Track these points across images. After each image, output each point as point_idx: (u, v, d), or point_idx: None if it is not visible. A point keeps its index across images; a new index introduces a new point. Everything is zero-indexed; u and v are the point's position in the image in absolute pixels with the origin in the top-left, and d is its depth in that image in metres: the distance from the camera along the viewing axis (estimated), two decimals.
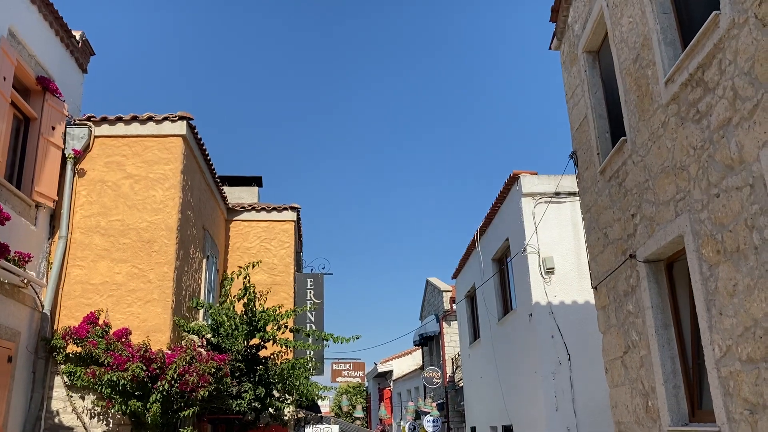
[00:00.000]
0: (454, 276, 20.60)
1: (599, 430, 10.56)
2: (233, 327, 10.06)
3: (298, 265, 16.23)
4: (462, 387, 20.85)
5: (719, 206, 4.79)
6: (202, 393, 8.11)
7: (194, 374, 7.99)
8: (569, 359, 11.27)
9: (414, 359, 35.18)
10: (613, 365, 7.28)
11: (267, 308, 10.28)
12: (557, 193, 12.19)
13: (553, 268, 11.79)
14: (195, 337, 9.34)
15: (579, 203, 8.58)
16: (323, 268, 15.56)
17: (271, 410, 11.18)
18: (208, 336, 9.71)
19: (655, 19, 5.76)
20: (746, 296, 4.47)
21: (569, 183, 11.83)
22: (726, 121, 4.63)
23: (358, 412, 35.33)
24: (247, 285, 9.80)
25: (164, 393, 7.88)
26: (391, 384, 38.25)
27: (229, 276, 11.02)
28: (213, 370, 8.60)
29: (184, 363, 8.00)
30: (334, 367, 21.04)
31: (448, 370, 24.16)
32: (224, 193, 12.63)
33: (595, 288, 7.84)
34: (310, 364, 11.17)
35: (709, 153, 4.90)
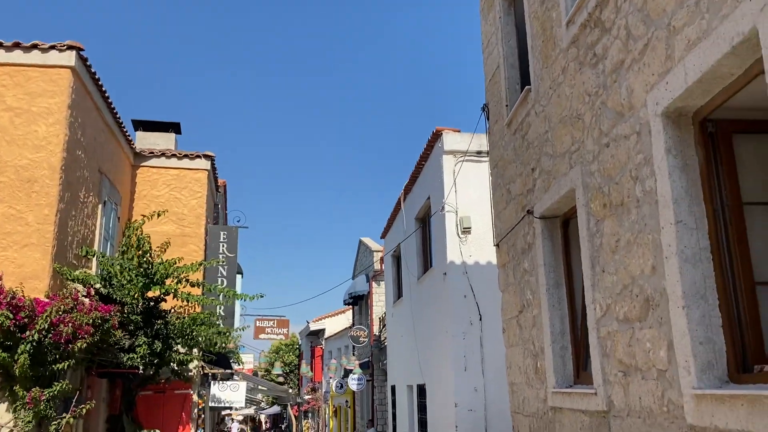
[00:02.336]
0: (383, 236, 20.30)
1: (506, 392, 10.49)
2: (128, 278, 9.45)
3: (217, 218, 15.59)
4: (386, 346, 20.78)
5: (608, 157, 4.48)
6: (79, 345, 7.53)
7: (69, 325, 7.38)
8: (480, 319, 11.12)
9: (347, 318, 35.03)
10: (510, 325, 7.07)
11: (165, 260, 9.70)
12: (479, 152, 11.87)
13: (469, 228, 11.55)
14: (79, 286, 8.68)
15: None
16: (238, 221, 14.99)
17: (173, 365, 10.69)
18: (97, 286, 9.07)
19: None
20: (626, 252, 4.21)
21: None
22: (619, 63, 4.30)
23: (277, 369, 34.93)
24: (140, 235, 9.19)
25: (34, 344, 7.27)
26: (323, 342, 38.16)
27: (131, 225, 10.34)
28: (98, 321, 8.03)
29: (58, 312, 7.38)
30: (258, 324, 20.60)
31: (375, 330, 24.08)
32: (129, 136, 11.81)
33: (497, 246, 7.58)
34: (213, 318, 10.67)
35: (603, 99, 4.57)
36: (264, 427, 53.36)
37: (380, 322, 23.78)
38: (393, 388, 18.42)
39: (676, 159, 3.64)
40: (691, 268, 3.50)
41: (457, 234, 11.63)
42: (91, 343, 8.24)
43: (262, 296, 10.37)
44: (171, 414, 11.69)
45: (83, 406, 7.74)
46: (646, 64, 3.90)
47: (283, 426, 46.85)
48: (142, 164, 12.61)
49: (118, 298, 9.22)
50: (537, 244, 6.01)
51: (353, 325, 29.02)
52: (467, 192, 11.76)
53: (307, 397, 38.11)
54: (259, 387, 20.47)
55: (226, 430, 41.01)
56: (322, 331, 38.03)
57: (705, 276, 3.49)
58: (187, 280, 10.10)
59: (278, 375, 37.45)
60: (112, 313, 8.21)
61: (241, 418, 53.65)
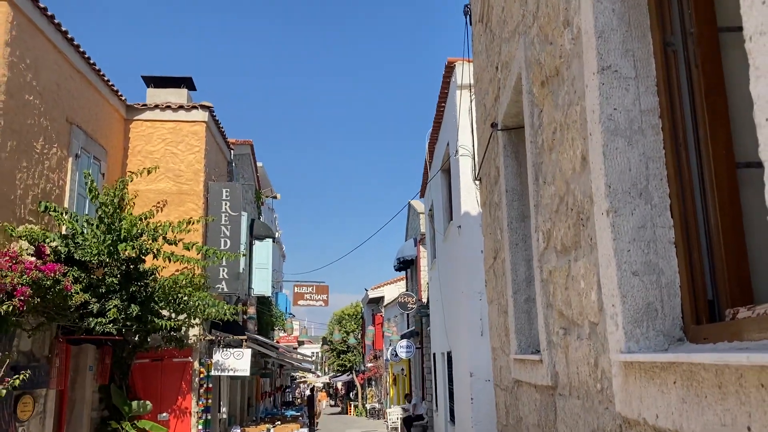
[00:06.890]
0: (421, 194, 18.97)
1: None
2: (95, 236, 8.60)
3: (231, 176, 14.67)
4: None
5: (544, 8, 2.98)
6: (5, 308, 6.67)
7: None
8: None
9: (405, 285, 34.01)
10: (489, 276, 5.64)
11: (134, 216, 8.81)
12: None
13: None
14: (25, 244, 7.85)
15: None
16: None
17: (165, 332, 9.85)
18: (53, 244, 8.23)
19: None
20: (560, 144, 2.73)
21: None
22: None
23: (336, 335, 34.22)
24: (92, 187, 8.32)
25: None
26: (383, 310, 37.31)
27: (89, 178, 9.36)
28: (46, 282, 7.20)
29: None
30: (296, 290, 19.79)
31: (424, 295, 22.84)
32: (113, 86, 10.89)
33: (480, 180, 6.11)
34: (197, 279, 9.71)
35: None
36: (339, 394, 54.31)
37: (427, 286, 22.52)
38: (433, 356, 17.21)
39: None
40: (623, 144, 2.02)
41: (474, 180, 10.12)
42: (42, 306, 7.47)
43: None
44: (169, 383, 10.93)
45: (17, 376, 6.90)
46: None
47: (351, 394, 46.91)
48: (135, 118, 11.73)
49: (80, 258, 8.39)
50: (500, 165, 4.54)
51: (407, 291, 27.91)
52: None
53: (369, 365, 37.51)
54: (287, 354, 19.73)
55: (293, 398, 41.29)
56: (381, 298, 37.22)
57: (647, 157, 2.00)
58: (164, 238, 9.19)
59: (340, 341, 37.22)
60: (56, 273, 7.33)
61: (320, 385, 54.91)
